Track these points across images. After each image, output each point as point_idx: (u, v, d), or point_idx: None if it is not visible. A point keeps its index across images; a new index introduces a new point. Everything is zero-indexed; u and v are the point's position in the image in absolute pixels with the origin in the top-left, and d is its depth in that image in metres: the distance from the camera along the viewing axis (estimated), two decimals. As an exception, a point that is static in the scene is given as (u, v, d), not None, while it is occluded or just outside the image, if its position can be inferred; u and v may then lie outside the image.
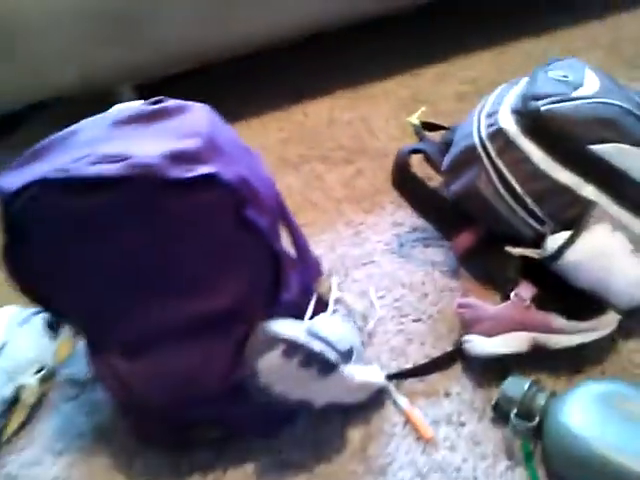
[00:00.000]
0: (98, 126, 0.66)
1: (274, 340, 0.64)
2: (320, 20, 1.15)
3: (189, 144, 0.62)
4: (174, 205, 0.61)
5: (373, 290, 0.89)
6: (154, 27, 1.10)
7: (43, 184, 0.60)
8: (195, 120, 0.65)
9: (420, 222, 0.96)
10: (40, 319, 0.91)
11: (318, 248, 0.94)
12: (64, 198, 0.60)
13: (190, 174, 0.60)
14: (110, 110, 0.68)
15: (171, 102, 0.67)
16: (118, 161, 0.60)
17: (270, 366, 0.64)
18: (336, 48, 1.34)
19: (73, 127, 0.67)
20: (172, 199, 0.61)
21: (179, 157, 0.60)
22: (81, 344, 0.87)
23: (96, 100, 0.80)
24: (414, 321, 0.84)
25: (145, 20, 1.10)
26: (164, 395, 0.68)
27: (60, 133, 0.66)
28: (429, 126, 0.93)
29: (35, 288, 0.68)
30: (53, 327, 0.92)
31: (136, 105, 0.67)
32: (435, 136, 0.92)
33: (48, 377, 0.88)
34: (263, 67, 1.33)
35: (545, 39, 1.18)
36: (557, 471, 0.66)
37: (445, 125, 0.93)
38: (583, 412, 0.65)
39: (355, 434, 0.75)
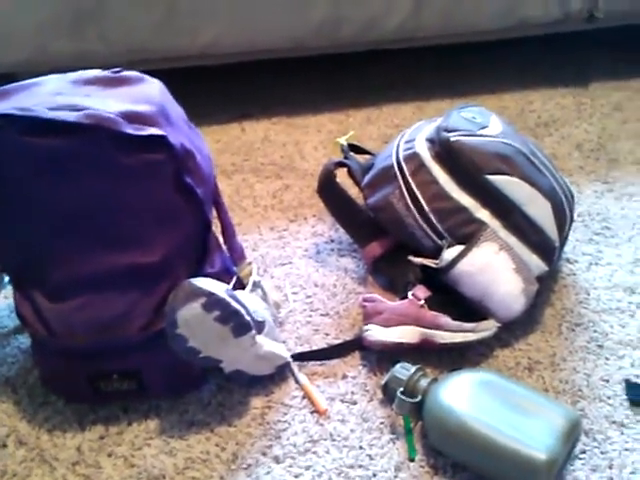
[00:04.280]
0: (60, 82, 0.73)
1: (196, 292, 0.71)
2: (259, 44, 1.26)
3: (142, 108, 0.69)
4: (122, 159, 0.68)
5: (288, 285, 0.97)
6: (106, 24, 1.19)
7: (3, 119, 0.65)
8: (149, 90, 0.73)
9: (337, 234, 1.06)
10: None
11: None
12: (21, 136, 0.66)
13: (141, 132, 0.67)
14: (72, 73, 0.75)
15: (129, 72, 0.75)
16: (77, 110, 0.67)
17: (189, 317, 0.71)
18: (279, 79, 1.46)
19: (36, 79, 0.73)
20: (121, 153, 0.68)
21: (132, 117, 0.68)
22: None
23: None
24: (321, 315, 0.93)
25: (98, 16, 1.18)
26: (83, 338, 0.73)
27: (23, 82, 0.73)
28: (355, 148, 1.04)
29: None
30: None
31: (97, 71, 0.75)
32: (359, 158, 1.03)
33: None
34: (208, 81, 1.43)
35: (460, 101, 1.33)
36: (433, 443, 0.75)
37: (369, 150, 1.04)
38: (458, 392, 0.74)
39: (257, 403, 0.81)
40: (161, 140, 0.68)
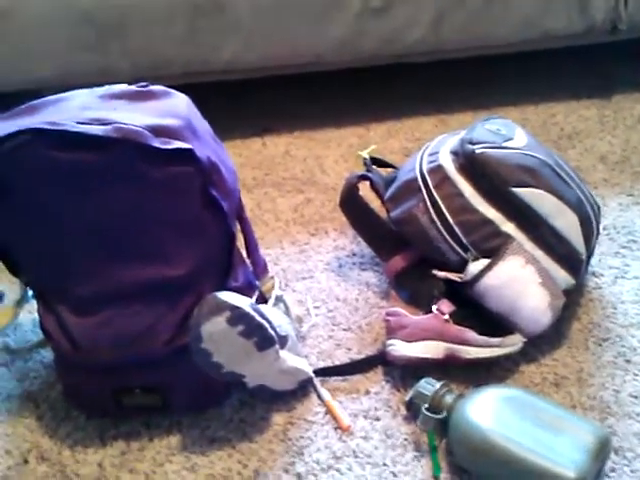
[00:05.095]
0: (88, 96, 0.73)
1: (221, 306, 0.70)
2: (281, 59, 1.27)
3: (169, 122, 0.70)
4: (150, 172, 0.68)
5: (310, 299, 0.96)
6: (129, 40, 1.20)
7: (33, 133, 0.66)
8: (176, 104, 0.73)
9: (359, 248, 1.05)
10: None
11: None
12: (50, 151, 0.67)
13: (168, 146, 0.67)
14: (99, 88, 0.76)
15: (156, 87, 0.75)
16: (105, 124, 0.67)
17: (214, 331, 0.70)
18: (299, 93, 1.46)
19: (64, 94, 0.74)
20: (149, 166, 0.68)
21: (159, 131, 0.68)
22: (22, 315, 0.91)
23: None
24: (344, 330, 0.92)
25: (121, 32, 1.19)
26: (108, 352, 0.73)
27: (51, 97, 0.73)
28: (378, 162, 1.03)
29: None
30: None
31: (123, 86, 0.75)
32: (382, 172, 1.02)
33: (-17, 342, 0.91)
34: (230, 96, 1.44)
35: (483, 114, 1.32)
36: (459, 461, 0.74)
37: (392, 163, 1.04)
38: (484, 408, 0.73)
39: (278, 419, 0.81)
40: (188, 153, 0.68)
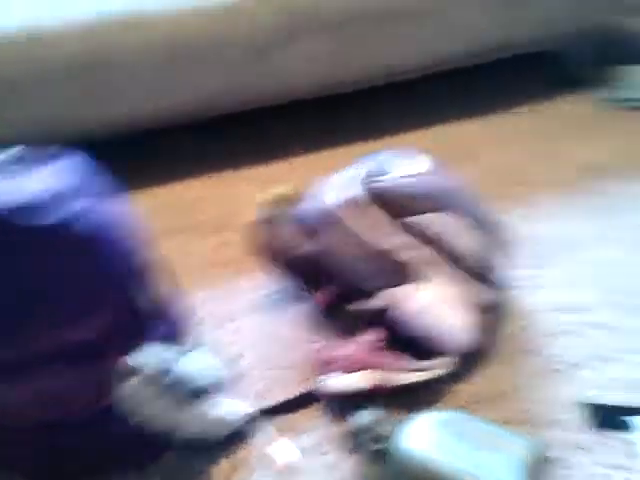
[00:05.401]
0: None
1: (138, 367, 0.70)
2: (174, 109, 1.29)
3: (59, 186, 0.71)
4: (29, 248, 0.68)
5: (240, 340, 0.96)
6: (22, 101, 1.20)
7: None
8: (68, 165, 0.74)
9: (285, 285, 1.05)
10: None
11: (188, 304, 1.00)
12: None
13: (37, 223, 0.68)
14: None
15: (47, 150, 0.75)
16: None
17: (133, 392, 0.70)
18: (209, 135, 1.47)
19: None
20: (25, 243, 0.68)
21: (30, 206, 0.68)
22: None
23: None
24: (277, 368, 0.91)
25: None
26: (32, 415, 0.71)
27: None
28: (290, 198, 1.03)
29: None
30: None
31: (15, 150, 0.75)
32: (295, 207, 1.03)
33: None
34: (136, 145, 1.42)
35: (379, 142, 1.38)
36: (402, 489, 0.74)
37: (303, 198, 1.04)
38: (420, 434, 0.74)
39: (221, 465, 0.79)
40: (65, 227, 0.69)
